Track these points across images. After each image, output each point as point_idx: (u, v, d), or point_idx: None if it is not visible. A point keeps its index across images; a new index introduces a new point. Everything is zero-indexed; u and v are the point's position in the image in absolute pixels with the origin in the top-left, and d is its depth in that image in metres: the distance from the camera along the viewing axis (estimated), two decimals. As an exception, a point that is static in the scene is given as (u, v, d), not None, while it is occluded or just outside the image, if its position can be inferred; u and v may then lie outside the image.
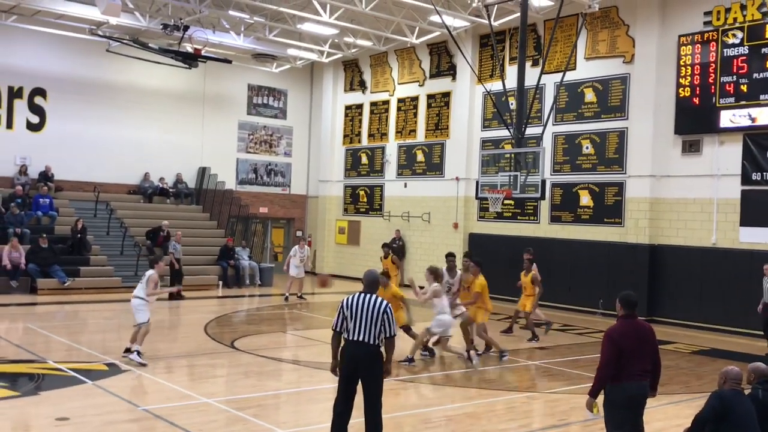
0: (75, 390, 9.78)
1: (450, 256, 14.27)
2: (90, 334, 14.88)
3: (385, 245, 20.90)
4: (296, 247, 20.96)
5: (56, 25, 22.62)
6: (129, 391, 9.76)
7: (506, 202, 19.52)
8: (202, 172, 26.85)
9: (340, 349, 7.26)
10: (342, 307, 7.21)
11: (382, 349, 7.19)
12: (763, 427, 6.29)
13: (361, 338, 7.06)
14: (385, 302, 7.21)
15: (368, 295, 7.22)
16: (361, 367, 7.08)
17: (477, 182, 18.81)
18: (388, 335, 7.12)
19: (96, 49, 23.61)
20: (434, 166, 24.83)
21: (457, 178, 23.69)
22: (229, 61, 23.91)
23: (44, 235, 20.27)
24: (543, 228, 21.34)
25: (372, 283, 7.43)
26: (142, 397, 9.51)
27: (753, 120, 16.94)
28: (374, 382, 7.13)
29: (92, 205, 23.42)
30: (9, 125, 23.28)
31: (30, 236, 20.67)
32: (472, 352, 12.41)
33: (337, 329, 7.22)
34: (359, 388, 7.19)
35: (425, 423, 8.95)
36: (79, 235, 21.31)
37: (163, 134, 25.99)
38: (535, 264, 15.89)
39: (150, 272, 12.05)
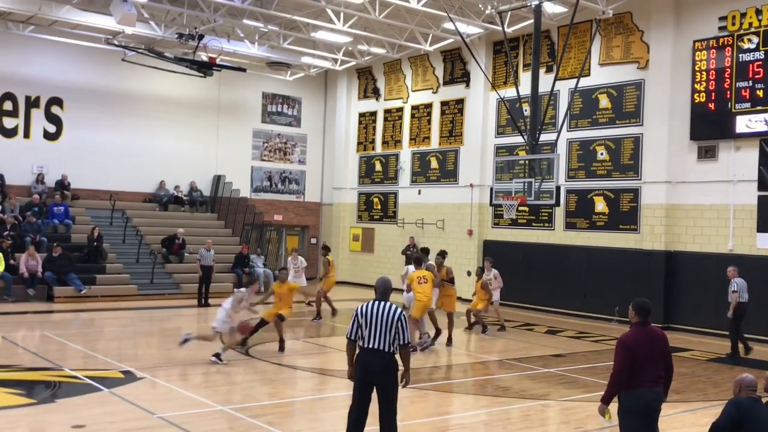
0: (91, 397, 9.82)
1: (440, 255, 15.85)
2: (106, 341, 14.95)
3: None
4: (289, 258, 20.10)
5: (72, 35, 22.84)
6: (144, 399, 9.79)
7: (521, 208, 19.47)
8: (217, 180, 26.98)
9: (355, 356, 7.27)
10: (357, 314, 7.20)
11: (397, 356, 7.17)
12: None
13: (375, 346, 7.05)
14: (399, 310, 7.18)
15: (382, 303, 7.21)
16: (375, 374, 7.07)
17: (491, 189, 18.77)
18: (402, 343, 7.10)
19: (112, 58, 23.81)
20: (448, 173, 24.81)
21: (471, 185, 23.66)
22: (244, 70, 24.04)
23: (56, 244, 20.42)
24: (558, 235, 21.25)
25: (385, 290, 7.41)
26: (157, 404, 9.53)
27: (769, 125, 16.80)
28: (389, 390, 7.11)
29: (108, 213, 23.59)
30: (26, 135, 23.51)
31: (47, 244, 20.83)
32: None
33: (352, 337, 7.22)
34: (374, 395, 7.18)
35: (439, 431, 8.92)
36: (95, 243, 21.46)
37: (178, 142, 26.14)
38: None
39: (243, 290, 13.44)
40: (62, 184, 23.47)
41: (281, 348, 13.60)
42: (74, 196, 23.74)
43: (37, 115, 23.71)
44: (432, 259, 15.62)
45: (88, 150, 24.31)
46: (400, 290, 15.33)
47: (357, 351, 7.23)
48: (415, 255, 15.48)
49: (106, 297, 20.32)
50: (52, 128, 23.97)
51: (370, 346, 7.07)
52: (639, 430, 6.64)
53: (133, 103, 25.27)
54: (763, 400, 6.57)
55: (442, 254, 15.82)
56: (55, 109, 24.01)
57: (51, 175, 23.58)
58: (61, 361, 12.07)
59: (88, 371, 11.34)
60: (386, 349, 7.05)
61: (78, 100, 24.23)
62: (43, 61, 23.67)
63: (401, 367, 7.25)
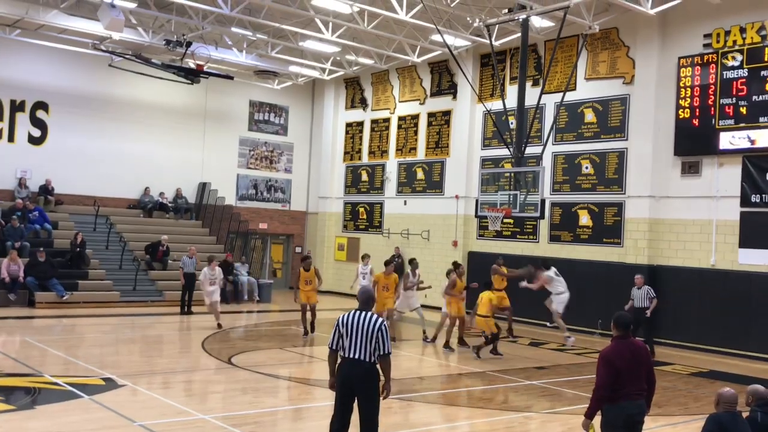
0: (71, 404, 9.75)
1: (412, 261, 18.39)
2: (87, 348, 14.84)
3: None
4: (205, 269, 18.17)
5: (59, 39, 22.76)
6: (125, 407, 9.72)
7: (506, 220, 19.54)
8: (203, 187, 26.90)
9: (336, 366, 7.25)
10: (338, 324, 7.18)
11: (378, 366, 7.15)
12: None
13: (356, 356, 7.03)
14: (380, 320, 7.15)
15: (363, 313, 7.18)
16: (356, 385, 7.06)
17: (477, 201, 18.82)
18: (382, 353, 7.05)
19: (98, 63, 23.73)
20: (434, 184, 24.88)
21: (456, 197, 23.73)
22: (231, 77, 24.03)
23: (41, 249, 20.28)
24: (542, 247, 21.34)
25: (367, 300, 7.40)
26: (138, 412, 9.47)
27: (752, 142, 17.00)
28: (370, 400, 7.09)
29: (92, 219, 23.45)
30: (11, 138, 23.35)
31: (29, 249, 20.67)
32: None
33: (333, 347, 7.20)
34: (356, 405, 7.17)
35: (422, 442, 8.92)
36: (78, 249, 21.32)
37: (163, 149, 26.05)
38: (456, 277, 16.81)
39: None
40: (46, 189, 23.32)
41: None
42: (58, 201, 23.59)
43: (22, 119, 23.56)
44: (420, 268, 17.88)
45: (72, 155, 24.17)
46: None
47: (338, 361, 7.21)
48: (390, 260, 17.22)
49: (88, 303, 20.17)
50: (36, 132, 23.83)
51: (351, 356, 7.06)
52: None
53: (119, 109, 25.18)
54: (744, 415, 6.62)
55: (457, 265, 16.99)
56: (40, 114, 23.88)
57: (35, 179, 23.41)
58: (41, 368, 11.97)
59: (69, 378, 11.26)
60: (367, 359, 7.02)
61: (64, 105, 24.11)
62: (30, 65, 23.55)
63: (383, 378, 7.23)
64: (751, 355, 16.56)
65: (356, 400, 7.13)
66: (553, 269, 16.68)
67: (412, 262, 18.59)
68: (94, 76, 24.44)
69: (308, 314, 16.80)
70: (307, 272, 16.86)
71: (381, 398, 7.19)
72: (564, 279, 17.07)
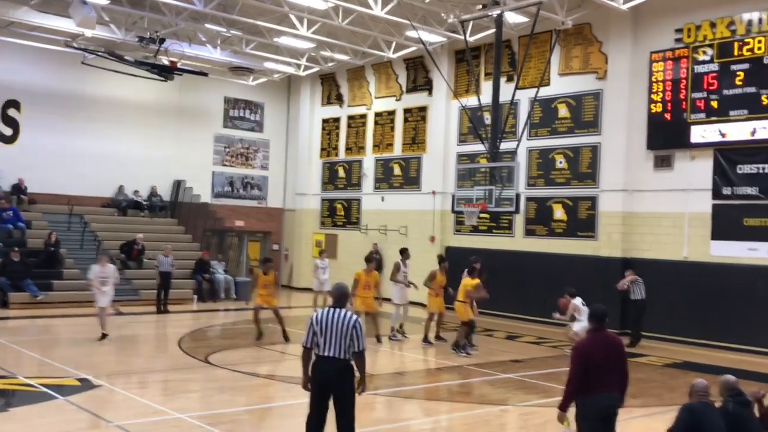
0: (46, 406, 9.66)
1: (405, 251, 17.46)
2: (62, 348, 14.71)
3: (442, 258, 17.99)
4: (94, 267, 16.13)
5: (31, 36, 22.48)
6: (101, 407, 9.66)
7: (482, 215, 19.66)
8: (178, 185, 26.72)
9: (311, 364, 7.21)
10: (312, 322, 7.14)
11: (353, 363, 7.15)
12: None
13: (331, 354, 7.01)
14: (354, 317, 7.14)
15: (337, 310, 7.15)
16: (332, 382, 7.05)
17: (453, 196, 18.92)
18: (356, 349, 7.05)
19: (71, 61, 23.46)
20: (411, 180, 24.93)
21: (433, 192, 23.80)
22: (206, 74, 23.88)
23: (15, 249, 20.05)
24: (518, 241, 21.48)
25: (341, 297, 7.33)
26: (114, 412, 9.42)
27: (723, 135, 17.23)
28: (346, 397, 7.11)
29: (66, 218, 23.22)
30: (-18, 137, 23.06)
31: (1, 249, 20.43)
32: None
33: (308, 345, 7.15)
34: (332, 403, 7.19)
35: (399, 437, 8.96)
36: (52, 249, 21.10)
37: (138, 147, 25.83)
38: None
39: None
40: (19, 188, 23.05)
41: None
42: (31, 201, 23.32)
43: (-7, 118, 23.28)
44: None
45: (45, 154, 23.89)
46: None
47: (313, 359, 7.17)
48: (370, 257, 16.69)
49: (63, 303, 19.96)
50: (8, 131, 23.53)
51: (326, 354, 7.03)
52: None
53: (92, 107, 24.93)
54: (717, 404, 6.74)
55: (442, 259, 17.03)
56: (11, 112, 23.58)
57: (7, 178, 23.13)
58: (15, 369, 11.84)
59: (44, 379, 11.16)
60: (342, 357, 7.01)
61: (36, 103, 23.82)
62: (1, 62, 23.22)
63: (358, 374, 7.24)
64: (723, 345, 16.80)
65: (332, 398, 7.13)
66: (579, 298, 15.16)
67: (403, 252, 17.51)
68: (67, 73, 24.17)
69: (261, 315, 15.75)
70: (266, 276, 15.78)
71: (357, 394, 7.20)
72: (540, 273, 17.20)
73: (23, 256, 20.20)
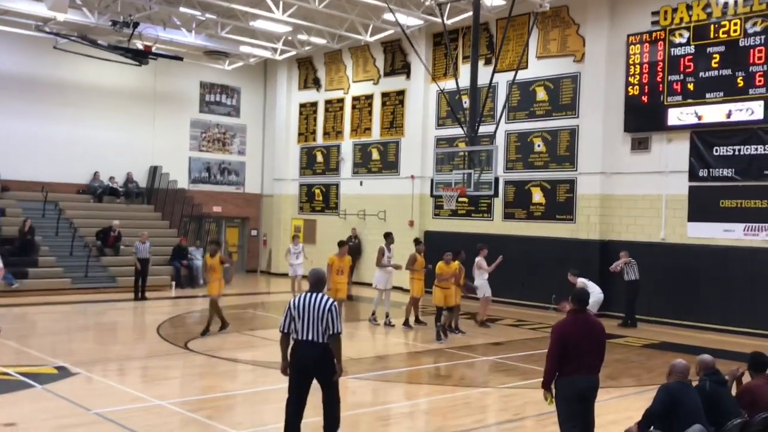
0: (23, 394, 9.56)
1: (389, 236, 17.20)
2: (39, 337, 14.55)
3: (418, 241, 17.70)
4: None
5: (1, 21, 22.04)
6: (80, 395, 9.57)
7: (460, 199, 19.64)
8: (154, 171, 26.45)
9: (289, 349, 7.23)
10: (289, 307, 7.19)
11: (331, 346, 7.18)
12: (709, 417, 6.45)
13: (309, 338, 7.07)
14: (330, 300, 7.19)
15: (315, 294, 7.20)
16: (311, 366, 7.12)
17: (432, 180, 18.88)
18: (332, 332, 7.08)
19: (43, 46, 23.05)
20: (389, 165, 24.88)
21: (412, 177, 23.77)
22: (181, 59, 23.60)
23: (-11, 237, 19.79)
24: (497, 225, 21.54)
25: (318, 281, 7.40)
26: (93, 400, 9.33)
27: (699, 118, 17.35)
28: (328, 380, 7.19)
29: (40, 206, 22.89)
30: (-48, 124, 22.64)
31: (-25, 238, 20.15)
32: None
33: (285, 330, 7.20)
34: (314, 386, 7.17)
35: (381, 420, 8.97)
36: (27, 236, 20.82)
37: (113, 133, 25.51)
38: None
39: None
40: (-9, 176, 22.70)
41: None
42: (4, 188, 22.97)
43: (-36, 104, 22.85)
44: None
45: (18, 140, 23.51)
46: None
47: (291, 344, 7.20)
48: (344, 241, 16.63)
49: (39, 291, 19.73)
50: (-21, 117, 23.14)
51: (304, 338, 7.08)
52: (573, 415, 6.83)
53: (65, 92, 24.56)
54: (693, 383, 6.80)
55: (417, 242, 17.02)
56: (-18, 98, 23.17)
57: (-21, 166, 22.78)
58: (-9, 358, 11.70)
59: (21, 367, 11.02)
60: (320, 341, 7.07)
61: (7, 89, 23.40)
62: (-30, 47, 22.80)
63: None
64: (700, 326, 17.01)
65: (314, 382, 7.17)
66: (581, 279, 15.58)
67: (388, 236, 17.22)
68: (39, 59, 23.76)
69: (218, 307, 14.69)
70: (212, 259, 14.62)
71: (335, 376, 7.26)
72: (519, 257, 17.21)
73: (-3, 244, 19.92)
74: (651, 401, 6.62)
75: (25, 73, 23.78)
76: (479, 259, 16.57)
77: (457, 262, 15.31)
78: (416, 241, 17.09)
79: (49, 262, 21.13)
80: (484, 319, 16.71)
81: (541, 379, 6.94)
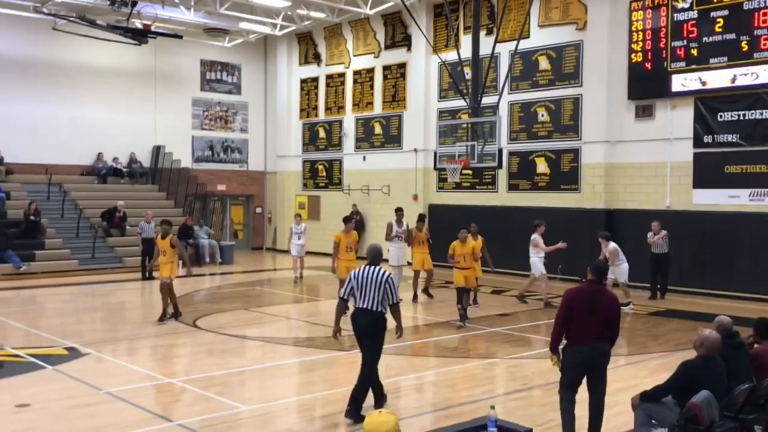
0: (35, 376, 9.64)
1: (399, 211, 16.62)
2: (48, 318, 14.65)
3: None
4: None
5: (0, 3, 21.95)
6: (90, 375, 9.65)
7: (464, 172, 19.64)
8: (157, 150, 26.44)
9: (344, 315, 8.23)
10: (350, 278, 7.99)
11: (388, 315, 7.93)
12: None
13: (366, 306, 7.84)
14: (387, 273, 7.92)
15: (373, 267, 7.95)
16: (365, 330, 7.90)
17: (435, 153, 18.86)
18: (391, 302, 7.89)
19: (42, 27, 22.95)
20: (392, 139, 24.80)
21: (415, 150, 23.71)
22: (180, 37, 23.45)
23: (-6, 220, 19.86)
24: (501, 196, 21.51)
25: (375, 256, 8.09)
26: (104, 379, 9.41)
27: (703, 84, 17.22)
28: (373, 344, 7.94)
29: (45, 188, 22.94)
30: (-46, 108, 22.62)
31: (-19, 221, 20.21)
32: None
33: (344, 297, 8.07)
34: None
35: (390, 393, 9.02)
36: (33, 218, 20.89)
37: (115, 113, 25.47)
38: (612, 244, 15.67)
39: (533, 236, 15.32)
40: (-5, 159, 22.73)
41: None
42: (8, 171, 23.00)
43: (-35, 88, 22.81)
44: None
45: (20, 123, 23.51)
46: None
47: (351, 310, 8.08)
48: (349, 217, 16.14)
49: (47, 273, 19.85)
50: (-19, 101, 23.10)
51: (362, 306, 7.85)
52: (573, 384, 6.85)
53: (66, 74, 24.49)
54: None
55: (422, 218, 16.72)
56: (-17, 81, 23.12)
57: (-18, 149, 22.80)
58: (2, 340, 11.79)
59: (31, 349, 11.12)
60: (375, 309, 7.82)
61: (8, 72, 23.34)
62: (-32, 30, 22.71)
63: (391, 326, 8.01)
64: (707, 292, 17.03)
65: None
66: (613, 243, 15.41)
67: (398, 211, 16.64)
68: (38, 40, 23.66)
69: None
70: (162, 240, 13.77)
71: (395, 337, 8.27)
72: (524, 228, 17.13)
73: (4, 227, 19.97)
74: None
75: (25, 56, 23.70)
76: (536, 236, 15.68)
77: (476, 241, 14.40)
78: (419, 217, 16.84)
79: (56, 244, 21.21)
80: (523, 293, 16.17)
81: (548, 349, 6.96)
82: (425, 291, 16.36)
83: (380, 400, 8.04)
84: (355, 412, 7.70)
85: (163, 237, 13.76)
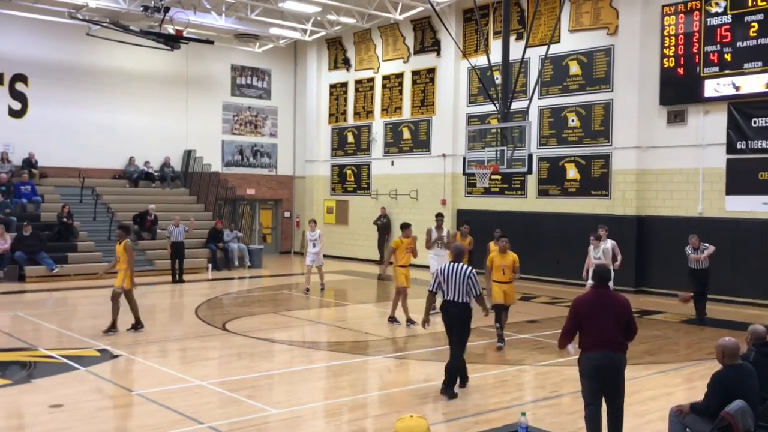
0: (67, 377, 9.77)
1: (439, 216, 16.08)
2: (80, 320, 14.84)
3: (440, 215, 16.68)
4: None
5: (35, 9, 22.32)
6: (122, 376, 9.76)
7: (493, 177, 19.53)
8: (188, 155, 26.70)
9: (433, 306, 9.60)
10: (437, 273, 9.17)
11: (472, 304, 9.07)
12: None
13: (453, 298, 8.99)
14: (470, 269, 9.05)
15: (457, 264, 9.10)
16: (454, 319, 9.01)
17: (464, 158, 18.81)
18: (475, 294, 9.04)
19: (76, 33, 23.34)
20: (421, 143, 24.80)
21: (443, 155, 23.68)
22: (212, 42, 23.69)
23: (26, 223, 20.12)
24: (530, 202, 21.39)
25: (459, 254, 9.39)
26: (135, 381, 9.51)
27: (737, 89, 16.99)
28: (461, 330, 9.07)
29: (77, 191, 23.28)
30: (-10, 112, 23.05)
31: (16, 224, 20.53)
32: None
33: (433, 290, 9.24)
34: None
35: (420, 398, 9.01)
36: (66, 221, 21.19)
37: (147, 117, 25.80)
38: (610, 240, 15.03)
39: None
40: (29, 163, 23.09)
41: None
42: (42, 174, 23.38)
43: (1, 93, 23.21)
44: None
45: (54, 127, 23.91)
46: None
47: (440, 302, 9.21)
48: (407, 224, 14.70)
49: (79, 275, 20.12)
50: (17, 105, 23.51)
51: (449, 298, 9.01)
52: (592, 392, 6.75)
53: (99, 79, 24.84)
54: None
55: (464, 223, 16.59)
56: (19, 86, 23.53)
57: (18, 153, 23.18)
58: (35, 341, 11.97)
59: (64, 350, 11.27)
60: (461, 300, 8.97)
61: (43, 77, 23.76)
62: (6, 37, 23.13)
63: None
64: (739, 300, 16.78)
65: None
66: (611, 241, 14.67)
67: (438, 217, 15.98)
68: (73, 46, 24.06)
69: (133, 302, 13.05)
70: (119, 246, 13.00)
71: (484, 315, 9.81)
72: (554, 233, 17.07)
73: (37, 230, 20.28)
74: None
75: (59, 61, 24.09)
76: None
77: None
78: (460, 223, 16.64)
79: (88, 246, 21.49)
80: None
81: (576, 357, 6.93)
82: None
83: (464, 381, 9.28)
84: (450, 390, 8.92)
85: (119, 242, 12.95)
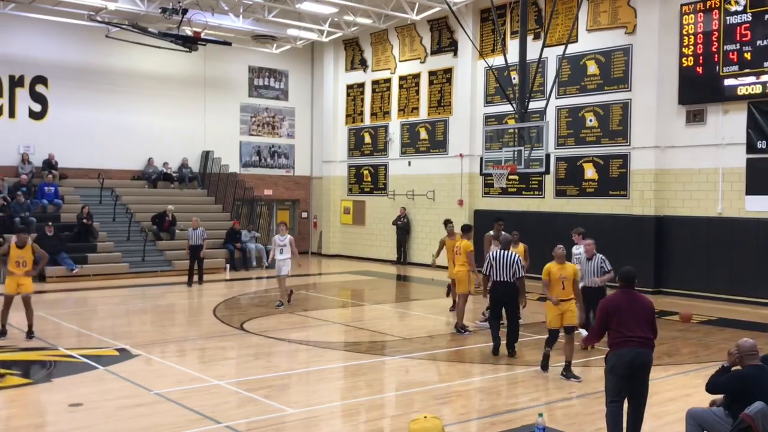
0: (87, 376, 9.86)
1: (499, 221, 14.43)
2: (100, 320, 14.97)
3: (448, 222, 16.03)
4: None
5: (54, 12, 22.54)
6: (141, 376, 9.83)
7: (511, 177, 19.47)
8: (206, 155, 26.85)
9: (489, 285, 11.51)
10: (489, 258, 11.44)
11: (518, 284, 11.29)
12: None
13: (502, 279, 11.28)
14: (516, 255, 11.43)
15: (505, 251, 11.41)
16: (503, 297, 11.38)
17: (481, 158, 18.75)
18: (518, 276, 11.29)
19: (95, 35, 23.54)
20: (438, 144, 24.77)
21: (461, 155, 23.64)
22: (229, 44, 23.82)
23: (50, 224, 20.32)
24: (548, 202, 21.31)
25: (507, 243, 11.64)
26: (153, 381, 9.58)
27: (757, 87, 16.80)
28: (513, 304, 11.45)
29: (97, 192, 23.48)
30: (11, 114, 23.29)
31: (36, 224, 20.73)
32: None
33: (486, 273, 11.48)
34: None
35: (436, 399, 9.01)
36: (85, 220, 21.36)
37: (165, 119, 25.97)
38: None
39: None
40: (50, 164, 23.32)
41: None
42: (62, 176, 23.60)
43: (22, 95, 23.46)
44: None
45: (74, 128, 24.13)
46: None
47: (491, 283, 11.40)
48: (464, 225, 14.12)
49: (98, 276, 20.30)
50: (37, 107, 23.75)
51: (500, 279, 11.29)
52: (617, 390, 6.85)
53: (118, 80, 25.04)
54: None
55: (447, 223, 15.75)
56: (39, 88, 23.77)
57: (38, 154, 23.42)
58: (55, 341, 12.08)
59: (83, 350, 11.37)
60: (509, 280, 11.28)
61: (63, 78, 23.99)
62: (26, 39, 23.38)
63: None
64: (760, 301, 16.62)
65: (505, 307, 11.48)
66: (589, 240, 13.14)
67: (497, 222, 14.55)
68: (92, 47, 24.26)
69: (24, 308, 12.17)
70: (19, 250, 12.02)
71: (522, 306, 11.63)
72: (570, 234, 16.89)
73: (58, 230, 20.47)
74: (706, 379, 6.48)
75: (78, 63, 24.31)
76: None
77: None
78: (446, 222, 15.72)
79: (107, 247, 21.67)
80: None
81: (598, 358, 6.94)
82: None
83: (512, 349, 11.28)
84: (511, 351, 11.24)
85: (20, 246, 12.02)
